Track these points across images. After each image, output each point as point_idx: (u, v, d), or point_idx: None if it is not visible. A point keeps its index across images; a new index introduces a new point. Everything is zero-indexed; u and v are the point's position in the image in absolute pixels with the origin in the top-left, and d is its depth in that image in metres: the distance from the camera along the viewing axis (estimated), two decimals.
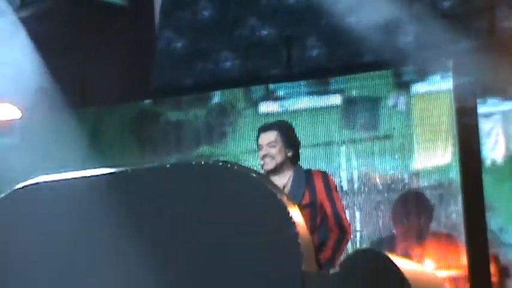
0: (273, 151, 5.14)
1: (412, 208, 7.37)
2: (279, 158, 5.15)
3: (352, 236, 5.21)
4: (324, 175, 5.19)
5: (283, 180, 5.13)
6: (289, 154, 5.18)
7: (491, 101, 7.47)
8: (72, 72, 10.28)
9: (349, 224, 5.08)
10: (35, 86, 9.53)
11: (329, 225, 5.02)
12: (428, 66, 7.69)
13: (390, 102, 7.71)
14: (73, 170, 5.01)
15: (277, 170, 5.14)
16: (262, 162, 5.18)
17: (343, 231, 5.01)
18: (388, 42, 9.09)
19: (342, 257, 5.10)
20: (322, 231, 5.06)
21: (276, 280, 4.43)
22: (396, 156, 7.50)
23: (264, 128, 5.25)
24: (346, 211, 7.35)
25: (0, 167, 8.20)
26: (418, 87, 7.60)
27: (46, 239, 4.77)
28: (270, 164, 5.14)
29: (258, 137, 5.25)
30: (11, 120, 8.98)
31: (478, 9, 8.78)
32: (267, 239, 4.49)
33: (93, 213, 4.74)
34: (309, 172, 5.20)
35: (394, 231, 7.33)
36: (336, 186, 5.18)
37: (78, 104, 9.50)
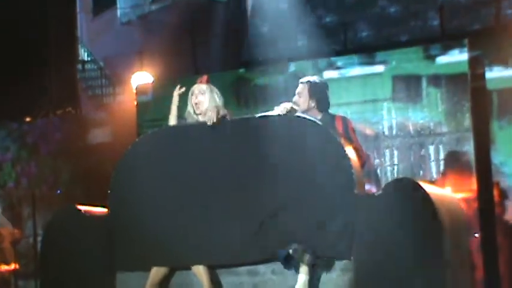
0: (300, 100, 4.91)
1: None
2: (302, 106, 4.89)
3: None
4: (344, 118, 4.94)
5: None
6: (312, 104, 4.93)
7: (496, 68, 7.26)
8: (188, 50, 10.34)
9: (361, 149, 4.81)
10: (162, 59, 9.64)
11: None
12: (449, 43, 7.51)
13: (419, 70, 7.53)
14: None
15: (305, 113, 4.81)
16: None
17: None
18: (418, 26, 8.92)
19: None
20: None
21: (337, 199, 4.42)
22: (424, 110, 7.38)
23: (301, 81, 5.02)
24: (387, 151, 7.40)
25: (138, 115, 8.32)
26: (442, 59, 7.41)
27: (175, 166, 4.80)
28: (297, 108, 4.83)
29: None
30: (146, 83, 9.07)
31: (487, 1, 8.57)
32: (329, 169, 4.46)
33: (208, 147, 4.75)
34: (332, 116, 4.94)
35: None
36: (352, 127, 4.90)
37: (193, 72, 9.58)
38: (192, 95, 5.02)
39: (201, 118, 4.97)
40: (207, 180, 4.68)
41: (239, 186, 4.60)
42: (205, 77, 5.06)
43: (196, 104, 4.97)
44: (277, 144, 4.58)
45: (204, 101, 4.95)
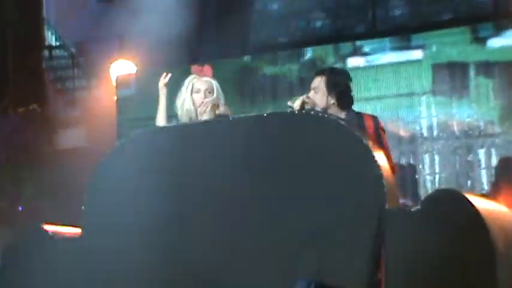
0: (316, 97, 4.93)
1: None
2: (320, 104, 4.90)
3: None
4: (375, 118, 4.95)
5: None
6: (332, 102, 4.95)
7: None
8: (180, 34, 10.37)
9: (391, 157, 4.82)
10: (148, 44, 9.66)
11: None
12: (503, 22, 7.51)
13: (466, 56, 7.55)
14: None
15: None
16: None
17: None
18: (465, 1, 8.91)
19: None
20: None
21: (363, 217, 4.41)
22: (473, 106, 7.39)
23: (316, 73, 5.04)
24: (426, 156, 7.41)
25: (119, 113, 8.36)
26: (494, 42, 7.43)
27: (163, 176, 4.78)
28: (312, 102, 4.88)
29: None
30: (128, 74, 9.10)
31: None
32: (354, 178, 4.45)
33: (202, 154, 4.74)
34: (360, 115, 4.95)
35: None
36: (383, 128, 4.92)
37: (186, 60, 9.60)
38: (194, 91, 5.01)
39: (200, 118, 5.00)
40: (203, 192, 4.69)
41: (241, 201, 4.62)
42: (209, 68, 5.07)
43: (203, 103, 4.97)
44: (289, 149, 4.58)
45: (214, 100, 4.97)
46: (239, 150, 4.68)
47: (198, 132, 4.83)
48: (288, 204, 4.52)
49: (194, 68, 5.08)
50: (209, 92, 4.99)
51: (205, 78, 5.02)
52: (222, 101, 5.02)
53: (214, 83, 5.04)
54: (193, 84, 5.03)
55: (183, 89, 5.08)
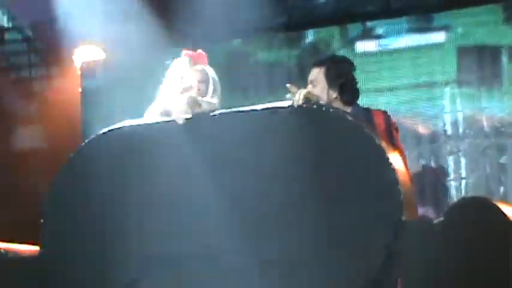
0: (315, 91, 4.95)
1: None
2: (322, 99, 4.91)
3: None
4: (386, 114, 4.97)
5: None
6: (334, 96, 5.00)
7: None
8: (158, 13, 10.37)
9: (406, 161, 4.81)
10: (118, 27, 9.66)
11: None
12: None
13: (498, 38, 7.56)
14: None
15: None
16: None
17: None
18: None
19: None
20: None
21: (374, 228, 4.42)
22: (505, 98, 7.40)
23: (314, 63, 5.07)
24: (451, 158, 7.43)
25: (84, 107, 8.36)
26: None
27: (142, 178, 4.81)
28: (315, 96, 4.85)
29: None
30: (95, 61, 9.09)
31: None
32: (364, 185, 4.47)
33: (185, 153, 4.76)
34: (368, 110, 5.00)
35: None
36: (397, 127, 4.96)
37: (166, 45, 9.59)
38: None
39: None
40: (178, 197, 4.72)
41: (223, 207, 4.63)
42: (202, 54, 5.06)
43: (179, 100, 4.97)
44: (285, 149, 4.60)
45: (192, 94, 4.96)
46: (222, 150, 4.70)
47: (175, 132, 4.83)
48: (284, 214, 4.53)
49: (185, 53, 5.07)
50: (203, 82, 5.00)
51: (198, 67, 5.01)
52: (218, 93, 5.03)
53: (210, 72, 5.02)
54: (188, 74, 5.05)
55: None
